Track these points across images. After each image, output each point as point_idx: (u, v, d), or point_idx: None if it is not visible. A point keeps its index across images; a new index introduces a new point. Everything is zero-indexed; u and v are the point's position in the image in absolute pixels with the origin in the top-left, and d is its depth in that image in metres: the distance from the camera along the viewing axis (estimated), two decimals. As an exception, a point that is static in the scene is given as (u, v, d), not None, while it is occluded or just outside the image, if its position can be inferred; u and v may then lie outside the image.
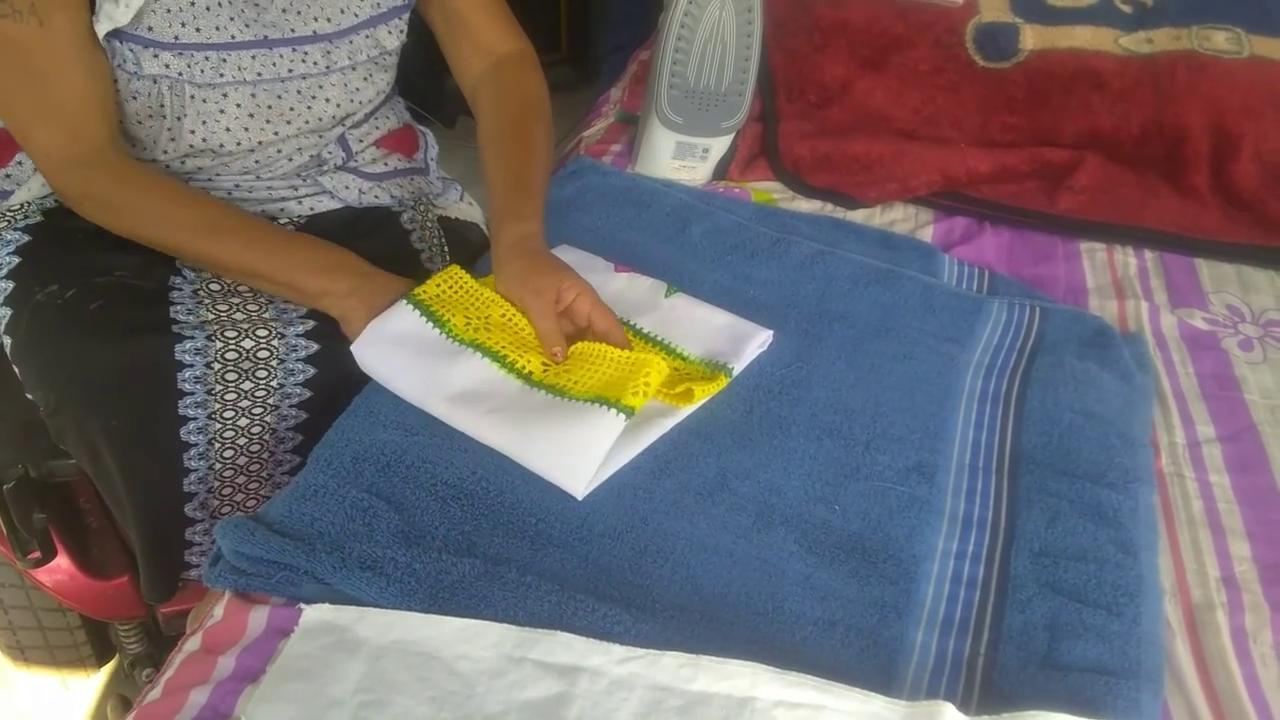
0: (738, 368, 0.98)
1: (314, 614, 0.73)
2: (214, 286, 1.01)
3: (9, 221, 1.01)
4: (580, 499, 0.84)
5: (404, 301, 0.93)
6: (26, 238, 0.99)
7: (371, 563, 0.75)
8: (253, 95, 0.98)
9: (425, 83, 1.34)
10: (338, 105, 1.05)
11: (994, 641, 0.76)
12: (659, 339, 1.01)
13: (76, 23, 0.88)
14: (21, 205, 1.03)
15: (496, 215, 1.01)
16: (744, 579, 0.79)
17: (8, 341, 0.97)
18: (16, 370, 0.97)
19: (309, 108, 1.02)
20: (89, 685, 1.45)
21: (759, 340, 1.01)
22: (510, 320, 0.97)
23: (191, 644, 0.75)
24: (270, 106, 1.00)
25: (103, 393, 0.93)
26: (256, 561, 0.76)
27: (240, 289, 1.01)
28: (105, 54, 0.92)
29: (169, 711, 0.69)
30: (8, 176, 1.06)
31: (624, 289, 1.06)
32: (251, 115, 0.99)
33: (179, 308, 0.97)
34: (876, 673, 0.73)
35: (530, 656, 0.71)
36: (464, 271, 0.99)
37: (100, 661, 1.40)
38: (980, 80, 1.47)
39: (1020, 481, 0.90)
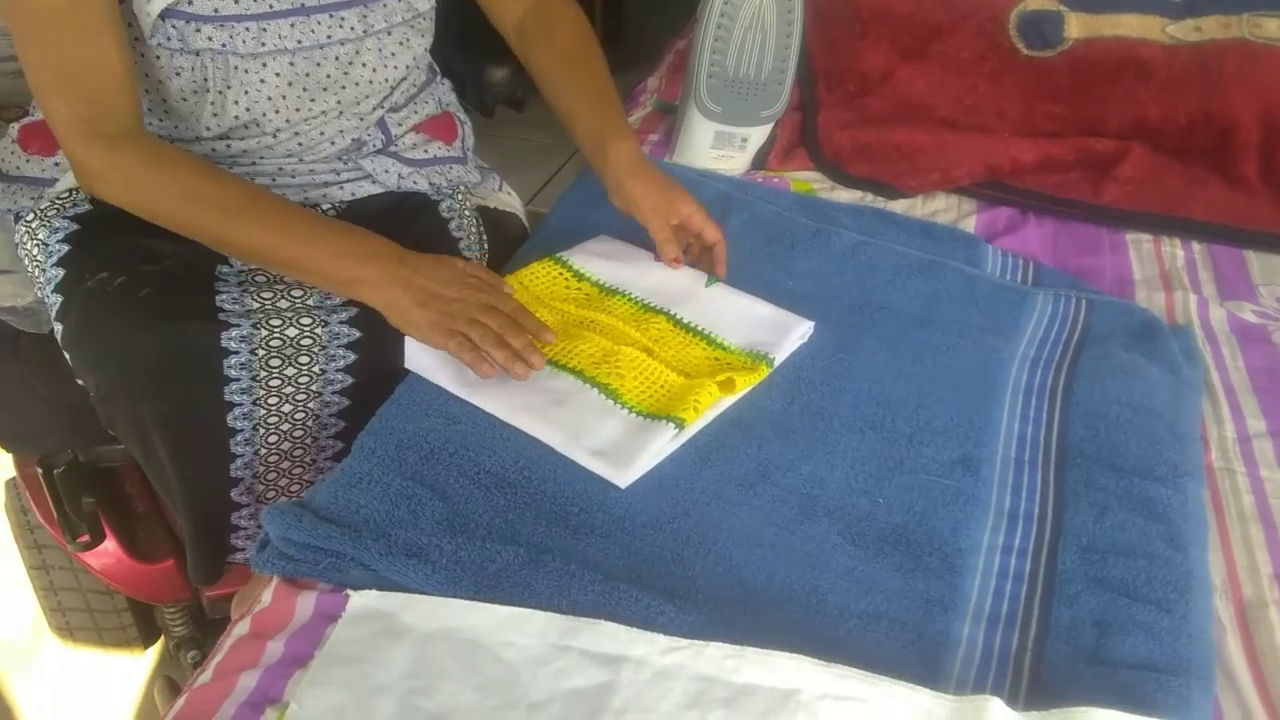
0: (779, 357, 0.98)
1: (360, 600, 0.74)
2: (259, 276, 1.01)
3: (58, 209, 1.03)
4: (623, 488, 0.84)
5: None
6: (75, 226, 1.01)
7: (417, 550, 0.76)
8: (291, 64, 0.99)
9: (465, 72, 1.35)
10: (374, 70, 1.05)
11: (1041, 636, 0.75)
12: (700, 329, 1.00)
13: None
14: (70, 192, 1.04)
15: (594, 137, 1.07)
16: (787, 571, 0.79)
17: (58, 328, 0.98)
18: (67, 356, 0.98)
19: (346, 73, 1.03)
20: (135, 666, 1.48)
21: (800, 331, 1.01)
22: (562, 310, 0.99)
23: (240, 628, 0.76)
24: (309, 74, 1.00)
25: (152, 379, 0.94)
26: (303, 548, 0.77)
27: (285, 277, 1.02)
28: (124, 29, 0.92)
29: (219, 695, 0.70)
30: (56, 164, 1.07)
31: (664, 279, 1.06)
32: (290, 84, 1.00)
33: (224, 296, 0.98)
34: (922, 667, 0.72)
35: (575, 645, 0.71)
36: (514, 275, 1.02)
37: (146, 643, 1.42)
38: (1024, 69, 1.45)
39: (1067, 476, 0.89)
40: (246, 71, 0.97)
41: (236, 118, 1.00)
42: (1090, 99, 1.43)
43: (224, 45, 0.95)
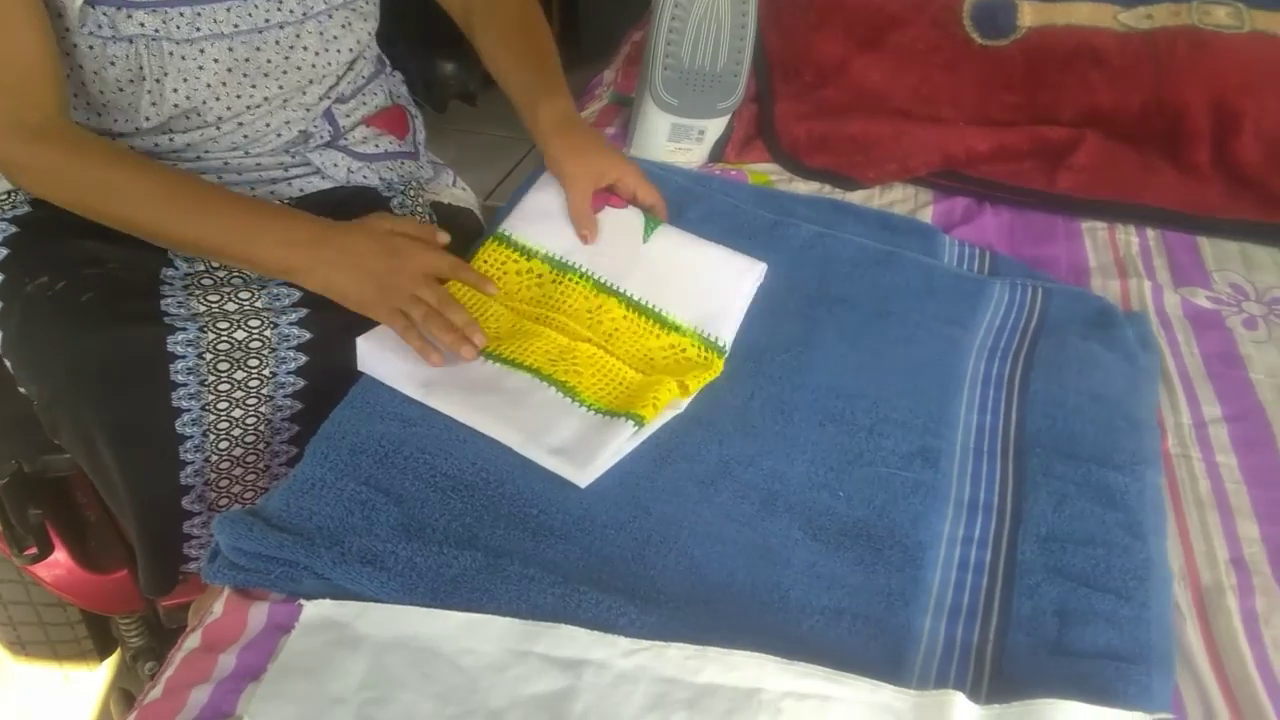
0: (729, 338, 0.98)
1: (314, 610, 0.72)
2: (206, 279, 0.99)
3: (-5, 212, 1.00)
4: (583, 487, 0.83)
5: None
6: (14, 229, 0.98)
7: (371, 557, 0.74)
8: (230, 49, 0.97)
9: (417, 67, 1.33)
10: (316, 54, 1.03)
11: (1003, 628, 0.75)
12: (649, 306, 0.99)
13: None
14: (8, 194, 1.01)
15: (526, 98, 1.06)
16: (748, 568, 0.78)
17: (-1, 335, 0.95)
18: (8, 364, 0.96)
19: (287, 58, 1.01)
20: (92, 679, 1.45)
21: (754, 275, 1.01)
22: (516, 307, 0.98)
23: (191, 641, 0.74)
24: (249, 59, 0.98)
25: (97, 385, 0.91)
26: (255, 557, 0.75)
27: (232, 279, 1.00)
28: (49, 21, 0.89)
29: (170, 711, 0.68)
30: None
31: (607, 237, 1.05)
32: (230, 69, 0.98)
33: (170, 300, 0.95)
34: (884, 661, 0.72)
35: (535, 650, 0.70)
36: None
37: (102, 655, 1.39)
38: (978, 58, 1.45)
39: (1026, 465, 0.89)
40: (183, 58, 0.95)
41: (176, 106, 0.97)
42: (1044, 87, 1.44)
43: (157, 31, 0.93)
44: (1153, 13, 1.43)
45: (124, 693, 1.31)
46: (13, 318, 0.93)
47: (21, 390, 0.97)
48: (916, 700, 0.67)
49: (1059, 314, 1.09)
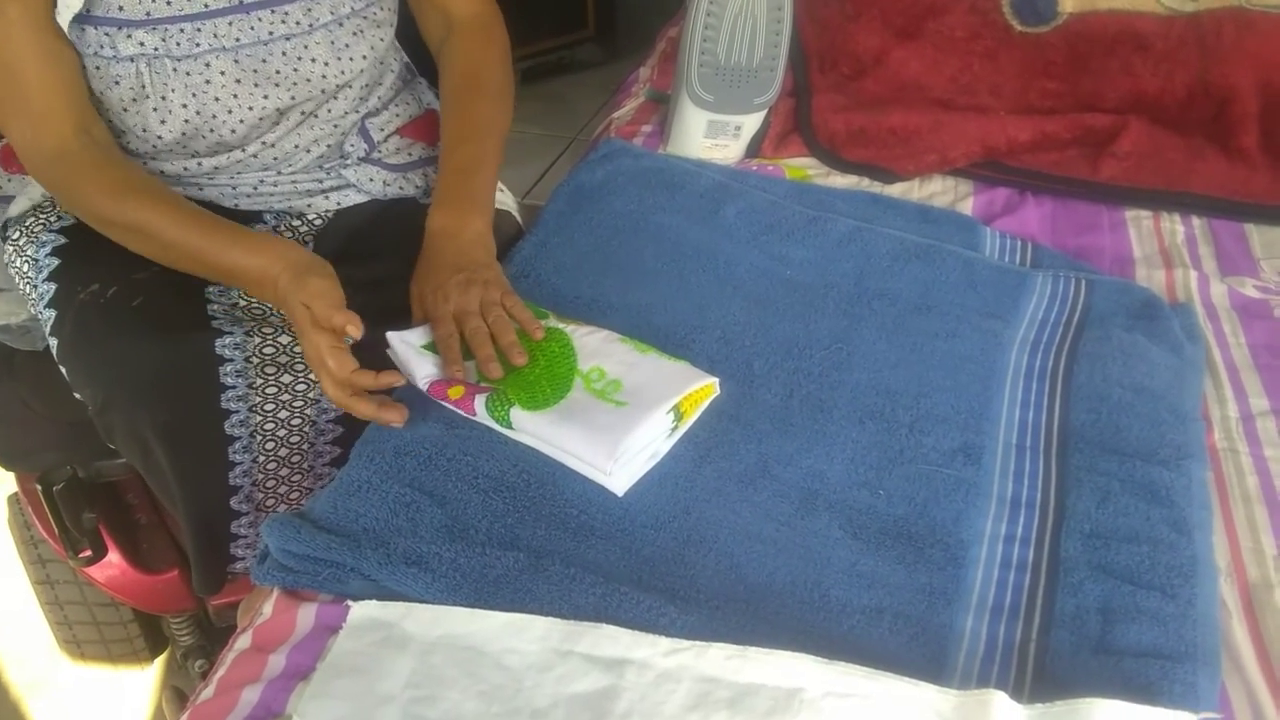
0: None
1: (361, 610, 0.74)
2: None
3: (44, 224, 1.03)
4: (620, 495, 0.83)
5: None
6: (63, 239, 1.01)
7: (416, 558, 0.75)
8: (236, 61, 0.97)
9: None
10: (326, 64, 1.03)
11: (1045, 626, 0.75)
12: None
13: (32, 10, 0.89)
14: (54, 206, 1.04)
15: (441, 178, 1.03)
16: (788, 567, 0.79)
17: (53, 343, 0.98)
18: (64, 370, 0.98)
19: (295, 69, 1.00)
20: (144, 678, 1.48)
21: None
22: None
23: (242, 642, 0.76)
24: (256, 70, 0.98)
25: (150, 388, 0.94)
26: (303, 559, 0.77)
27: None
28: (67, 43, 0.92)
29: (222, 710, 0.69)
30: (10, 180, 1.08)
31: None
32: (238, 81, 0.98)
33: (215, 305, 0.97)
34: (926, 661, 0.72)
35: (577, 650, 0.71)
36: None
37: (154, 654, 1.42)
38: (1018, 46, 1.43)
39: (1069, 461, 0.88)
40: (188, 74, 0.96)
41: (187, 121, 0.98)
42: (1086, 74, 1.42)
43: (156, 49, 0.94)
44: (1197, -5, 1.41)
45: (176, 690, 1.33)
46: (66, 325, 0.96)
47: (76, 396, 0.99)
48: (959, 699, 0.67)
49: (1102, 306, 1.08)
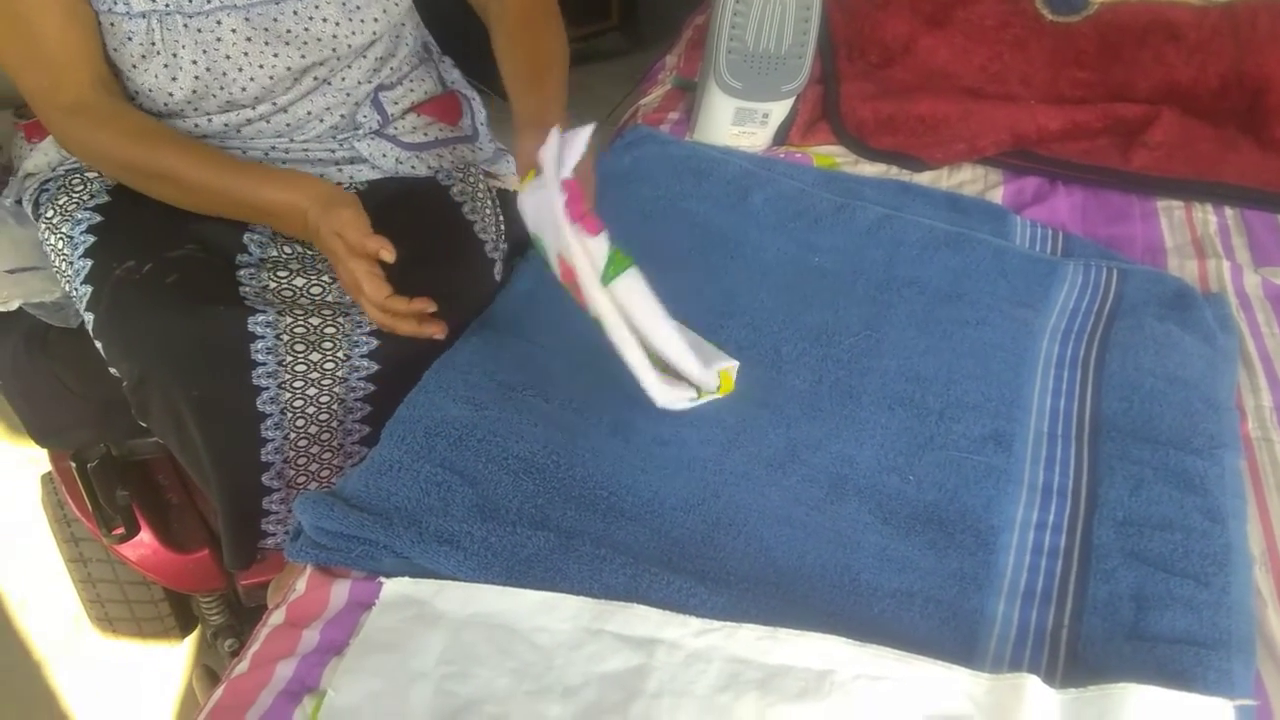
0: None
1: (394, 587, 0.74)
2: (279, 270, 1.01)
3: (78, 202, 1.03)
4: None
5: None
6: (98, 217, 1.01)
7: (448, 537, 0.76)
8: (246, 19, 0.99)
9: (484, 53, 1.33)
10: (337, 24, 1.04)
11: (1078, 612, 0.75)
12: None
13: None
14: (84, 184, 1.05)
15: (518, 123, 1.01)
16: (818, 551, 0.79)
17: (89, 318, 0.99)
18: (99, 346, 0.99)
19: (306, 29, 1.02)
20: (174, 656, 1.50)
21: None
22: None
23: (276, 617, 0.77)
24: (267, 29, 1.00)
25: (185, 363, 0.94)
26: (336, 536, 0.77)
27: (307, 269, 1.02)
28: (85, 1, 0.94)
29: (257, 684, 0.70)
30: (33, 151, 1.09)
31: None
32: (249, 39, 1.00)
33: (246, 287, 0.98)
34: (957, 645, 0.72)
35: (608, 629, 0.71)
36: None
37: (183, 632, 1.44)
38: (1049, 35, 1.43)
39: (1101, 449, 0.88)
40: (199, 30, 0.97)
41: (197, 78, 0.99)
42: (1118, 63, 1.41)
43: (168, 5, 0.96)
44: (1232, -16, 1.39)
45: (206, 669, 1.35)
46: (102, 301, 0.96)
47: (112, 372, 1.00)
48: (991, 683, 0.67)
49: (1135, 295, 1.07)
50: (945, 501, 0.83)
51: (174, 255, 0.97)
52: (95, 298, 0.97)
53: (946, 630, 0.73)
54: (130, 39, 0.96)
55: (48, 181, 1.08)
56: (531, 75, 1.04)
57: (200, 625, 1.44)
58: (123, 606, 1.36)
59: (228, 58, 0.99)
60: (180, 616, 1.41)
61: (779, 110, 1.35)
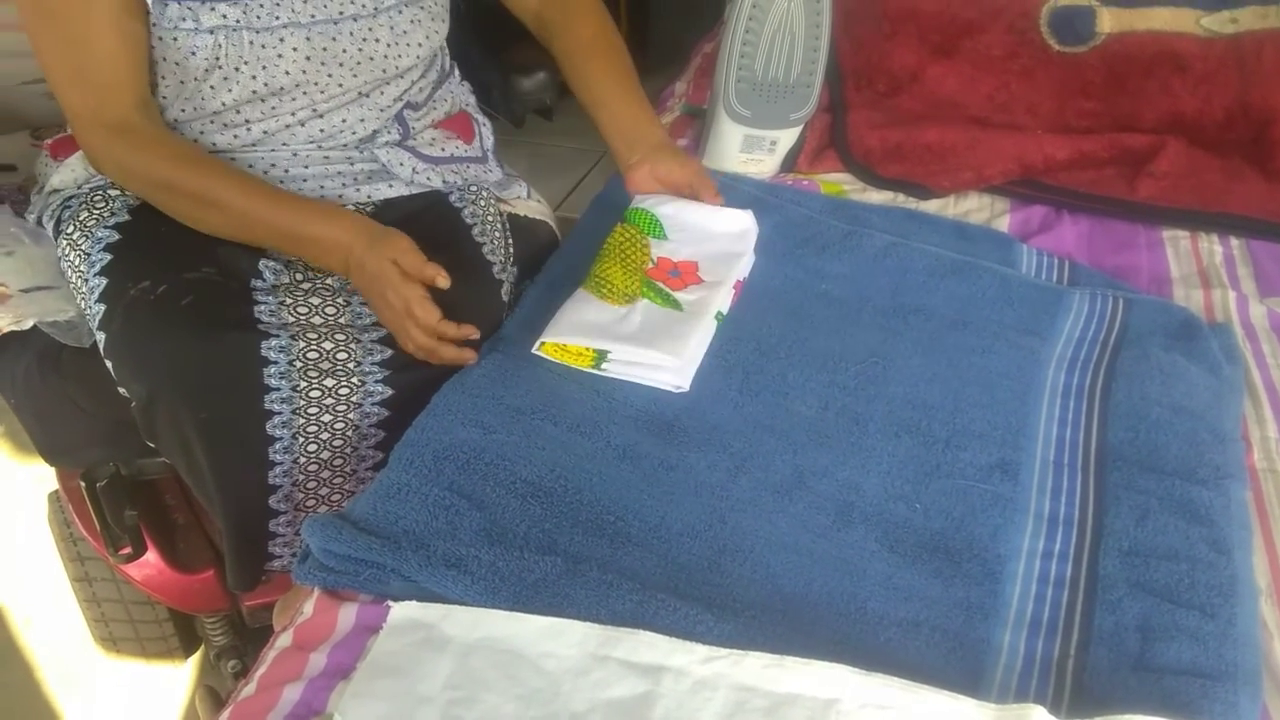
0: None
1: (401, 611, 0.74)
2: (294, 292, 1.02)
3: (99, 219, 1.04)
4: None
5: None
6: (117, 235, 1.02)
7: (456, 561, 0.76)
8: (308, 38, 1.02)
9: (495, 81, 1.35)
10: (388, 46, 1.08)
11: (1084, 643, 0.75)
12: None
13: None
14: (107, 201, 1.06)
15: (623, 123, 1.16)
16: (824, 579, 0.79)
17: (101, 337, 0.99)
18: (110, 365, 1.00)
19: (360, 49, 1.05)
20: (177, 677, 1.50)
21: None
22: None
23: (283, 640, 0.77)
24: (325, 49, 1.03)
25: (195, 386, 0.95)
26: (344, 559, 0.78)
27: (319, 289, 1.03)
28: (142, 23, 0.97)
29: (264, 707, 0.70)
30: (59, 170, 1.10)
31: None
32: (309, 58, 1.03)
33: (262, 308, 0.99)
34: (963, 675, 0.72)
35: (614, 655, 0.71)
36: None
37: (187, 653, 1.44)
38: (1056, 65, 1.44)
39: (1107, 479, 0.88)
40: (263, 47, 1.00)
41: (255, 93, 1.02)
42: (1124, 94, 1.42)
43: (238, 22, 0.98)
44: (1238, 16, 1.41)
45: (209, 690, 1.35)
46: (115, 320, 0.97)
47: (121, 391, 1.00)
48: (997, 714, 0.67)
49: (1140, 325, 1.08)
50: (952, 530, 0.83)
51: (190, 277, 0.97)
52: (108, 316, 0.97)
53: (953, 660, 0.73)
54: (194, 54, 0.99)
55: (71, 198, 1.09)
56: (620, 85, 1.16)
57: (204, 646, 1.44)
58: (127, 626, 1.36)
59: (286, 74, 1.02)
60: (184, 637, 1.41)
61: (787, 138, 1.36)
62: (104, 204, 1.06)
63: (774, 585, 0.78)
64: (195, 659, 1.49)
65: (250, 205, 0.99)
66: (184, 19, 0.97)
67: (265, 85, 1.02)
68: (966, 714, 0.67)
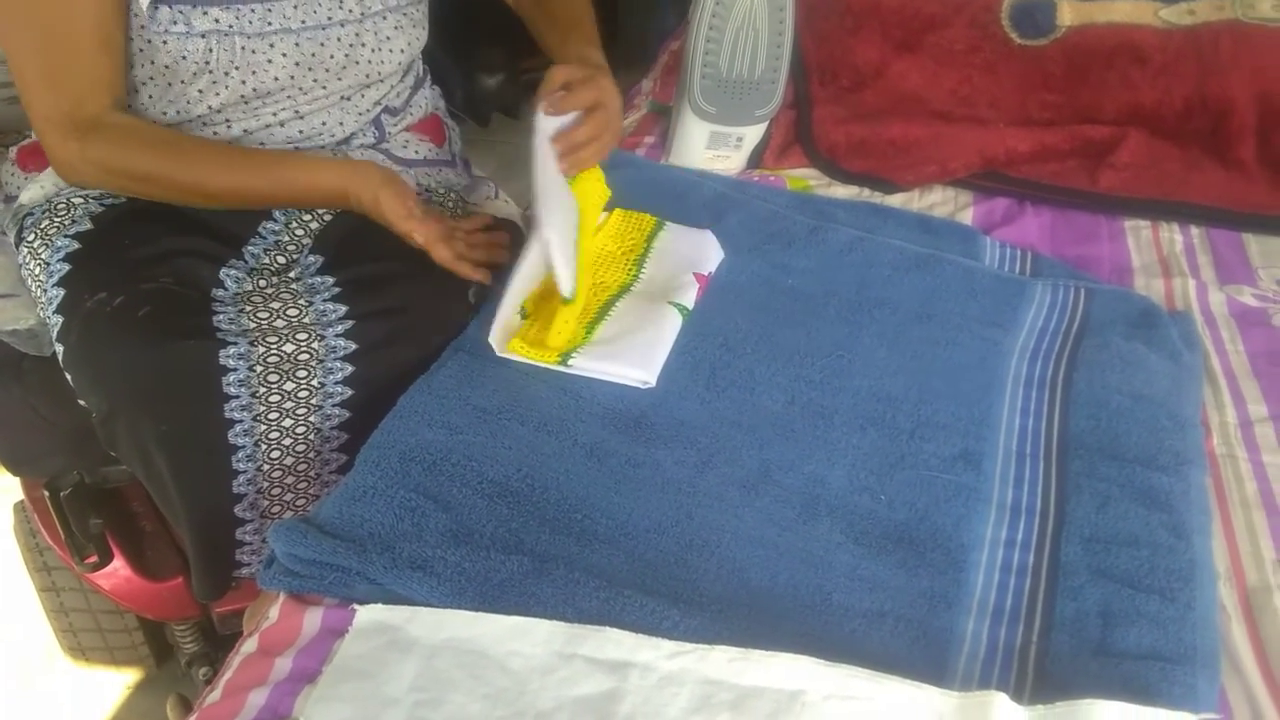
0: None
1: (367, 614, 0.74)
2: (255, 299, 1.02)
3: (59, 228, 1.03)
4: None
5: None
6: (76, 245, 1.01)
7: (421, 562, 0.76)
8: (297, 44, 1.02)
9: (460, 83, 1.35)
10: (373, 52, 1.08)
11: (1046, 630, 0.75)
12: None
13: None
14: (68, 209, 1.05)
15: (570, 48, 1.12)
16: (790, 571, 0.79)
17: (59, 349, 0.98)
18: (69, 377, 0.99)
19: (347, 55, 1.06)
20: (148, 684, 1.48)
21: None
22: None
23: (249, 645, 0.76)
24: (314, 55, 1.04)
25: (153, 397, 0.94)
26: (309, 563, 0.77)
27: (281, 294, 1.03)
28: (122, 23, 0.96)
29: (229, 713, 0.70)
30: (27, 180, 1.09)
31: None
32: (298, 64, 1.03)
33: (221, 316, 0.98)
34: (927, 663, 0.73)
35: (580, 653, 0.71)
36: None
37: (158, 661, 1.43)
38: (1018, 58, 1.45)
39: (1069, 467, 0.89)
40: (253, 52, 1.00)
41: (243, 98, 1.02)
42: (1085, 86, 1.43)
43: (230, 26, 0.98)
44: (1195, 8, 1.42)
45: (180, 698, 1.33)
46: (73, 333, 0.96)
47: (81, 402, 1.00)
48: (960, 701, 0.68)
49: (1101, 314, 1.09)
50: (916, 521, 0.84)
51: (146, 288, 0.96)
52: (66, 328, 0.96)
53: (917, 649, 0.74)
54: (184, 58, 0.99)
55: (35, 207, 1.08)
56: (567, 28, 1.15)
57: (175, 653, 1.43)
58: (96, 635, 1.35)
59: (275, 79, 1.03)
60: (154, 645, 1.40)
61: (753, 134, 1.36)
62: (66, 211, 1.05)
63: (740, 579, 0.79)
64: (166, 667, 1.48)
65: (237, 180, 1.01)
66: (175, 22, 0.96)
67: (254, 90, 1.02)
68: (930, 702, 0.68)
